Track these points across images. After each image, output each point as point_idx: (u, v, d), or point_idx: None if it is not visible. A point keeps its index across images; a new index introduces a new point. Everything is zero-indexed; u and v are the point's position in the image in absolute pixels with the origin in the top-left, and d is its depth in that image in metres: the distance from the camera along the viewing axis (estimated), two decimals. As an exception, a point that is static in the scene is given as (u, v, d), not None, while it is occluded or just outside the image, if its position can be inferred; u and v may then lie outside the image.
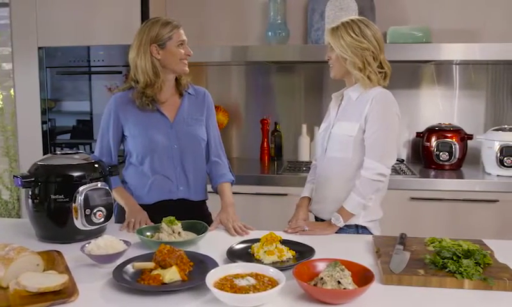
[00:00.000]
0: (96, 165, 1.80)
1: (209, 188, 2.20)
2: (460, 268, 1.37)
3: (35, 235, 1.79)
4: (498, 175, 2.93)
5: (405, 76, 3.36)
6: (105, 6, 3.08)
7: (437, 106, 3.41)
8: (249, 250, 1.62)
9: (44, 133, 3.24)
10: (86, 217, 1.70)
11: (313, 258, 1.50)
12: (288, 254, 1.57)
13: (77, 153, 1.85)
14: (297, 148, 3.49)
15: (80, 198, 1.68)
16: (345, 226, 1.89)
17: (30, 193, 1.72)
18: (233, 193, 2.14)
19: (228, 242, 1.72)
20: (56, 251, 1.59)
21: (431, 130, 3.20)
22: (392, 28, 3.06)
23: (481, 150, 3.10)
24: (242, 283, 1.27)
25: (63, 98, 3.25)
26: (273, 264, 1.49)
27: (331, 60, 1.97)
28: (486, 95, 3.38)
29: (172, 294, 1.31)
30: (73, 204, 1.69)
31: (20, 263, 1.34)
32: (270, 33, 3.29)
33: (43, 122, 3.23)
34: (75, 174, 1.72)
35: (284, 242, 1.62)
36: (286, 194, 2.94)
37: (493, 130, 3.04)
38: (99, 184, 1.74)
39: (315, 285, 1.29)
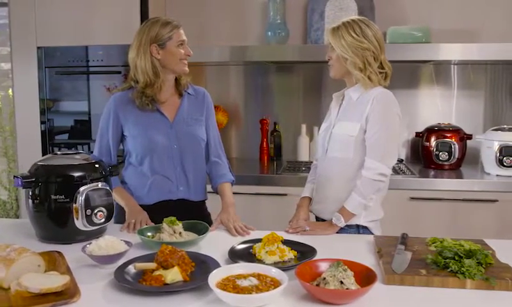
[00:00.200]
0: (96, 166, 1.80)
1: (208, 188, 2.19)
2: (462, 268, 1.37)
3: (35, 236, 1.78)
4: (497, 175, 2.94)
5: (404, 76, 3.36)
6: (104, 6, 3.07)
7: (436, 106, 3.42)
8: (251, 250, 1.62)
9: (43, 133, 3.23)
10: (86, 218, 1.69)
11: (315, 258, 1.49)
12: (289, 254, 1.57)
13: (78, 153, 1.84)
14: (297, 148, 3.49)
15: (81, 198, 1.68)
16: (346, 226, 1.89)
17: (30, 193, 1.71)
18: (233, 193, 2.14)
19: (229, 242, 1.72)
20: (56, 251, 1.58)
21: (431, 130, 3.20)
22: (391, 28, 3.06)
23: (480, 150, 3.11)
24: (244, 283, 1.27)
25: (62, 98, 3.24)
26: (275, 264, 1.49)
27: (331, 60, 1.97)
28: (484, 95, 3.39)
29: (174, 295, 1.31)
30: (74, 205, 1.68)
31: (22, 264, 1.34)
32: (270, 33, 3.29)
33: (42, 122, 3.22)
34: (76, 174, 1.72)
35: (285, 242, 1.62)
36: (285, 194, 2.93)
37: (493, 130, 3.05)
38: (100, 184, 1.73)
39: (317, 285, 1.29)
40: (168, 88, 2.06)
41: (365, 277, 1.32)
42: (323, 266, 1.37)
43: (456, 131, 3.16)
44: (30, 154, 3.13)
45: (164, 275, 1.35)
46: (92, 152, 2.13)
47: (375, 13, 3.24)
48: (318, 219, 2.07)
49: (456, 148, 3.10)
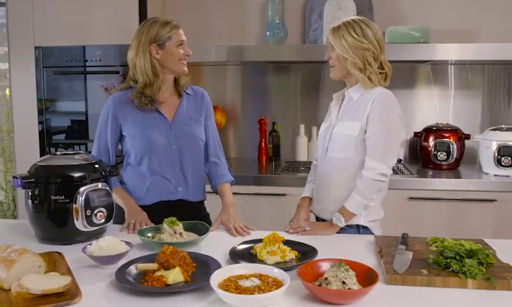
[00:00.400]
0: (96, 166, 1.79)
1: (207, 188, 2.19)
2: (463, 268, 1.37)
3: (35, 236, 1.78)
4: (495, 175, 2.95)
5: (402, 76, 3.37)
6: (102, 6, 3.07)
7: (434, 106, 3.43)
8: (252, 251, 1.62)
9: (40, 133, 3.21)
10: (86, 218, 1.68)
11: (316, 259, 1.49)
12: (291, 254, 1.57)
13: (77, 153, 1.84)
14: (295, 148, 3.49)
15: (81, 199, 1.67)
16: (347, 226, 1.89)
17: (30, 194, 1.70)
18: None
19: (229, 242, 1.71)
20: (56, 252, 1.57)
21: (429, 130, 3.21)
22: (390, 28, 3.06)
23: (479, 150, 3.12)
24: (246, 283, 1.27)
25: (59, 98, 3.23)
26: (276, 264, 1.48)
27: (331, 60, 1.97)
28: (482, 95, 3.39)
29: (176, 295, 1.30)
30: (74, 205, 1.67)
31: (23, 264, 1.33)
32: (268, 33, 3.29)
33: (40, 122, 3.21)
34: (76, 174, 1.71)
35: (286, 243, 1.61)
36: (284, 194, 2.93)
37: (491, 130, 3.06)
38: (100, 185, 1.73)
39: (319, 285, 1.29)
40: (167, 88, 2.06)
41: (367, 277, 1.32)
42: (325, 266, 1.37)
43: (454, 131, 3.16)
44: (28, 154, 3.12)
45: (166, 276, 1.34)
46: (90, 152, 2.12)
47: (373, 13, 3.24)
48: (318, 219, 2.07)
49: (454, 147, 3.11)
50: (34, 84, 3.16)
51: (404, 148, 3.48)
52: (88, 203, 1.68)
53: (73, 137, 3.27)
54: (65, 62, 3.16)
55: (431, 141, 3.15)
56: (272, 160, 3.51)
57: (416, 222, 2.85)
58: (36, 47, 3.14)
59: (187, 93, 2.13)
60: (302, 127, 3.45)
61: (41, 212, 1.70)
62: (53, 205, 1.68)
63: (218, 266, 1.43)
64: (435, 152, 3.13)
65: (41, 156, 2.89)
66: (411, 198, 2.87)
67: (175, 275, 1.35)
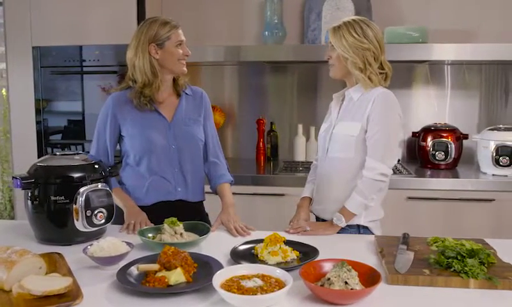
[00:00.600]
0: (96, 166, 1.78)
1: (206, 188, 2.18)
2: (465, 268, 1.38)
3: (34, 237, 1.76)
4: (493, 174, 2.95)
5: (400, 76, 3.37)
6: (100, 6, 3.05)
7: (431, 106, 3.43)
8: (253, 251, 1.61)
9: (38, 133, 3.20)
10: (86, 219, 1.67)
11: (317, 259, 1.49)
12: (292, 254, 1.56)
13: (77, 153, 1.83)
14: (293, 148, 3.48)
15: (81, 199, 1.66)
16: (347, 226, 1.89)
17: (29, 194, 1.69)
18: (230, 193, 2.13)
19: (229, 242, 1.71)
20: (57, 253, 1.57)
21: (427, 130, 3.22)
22: (388, 28, 3.06)
23: (476, 150, 3.12)
24: (249, 284, 1.26)
25: (56, 98, 3.22)
26: (277, 265, 1.48)
27: (331, 59, 1.97)
28: (479, 95, 3.41)
29: (178, 296, 1.30)
30: (74, 206, 1.66)
31: (23, 266, 1.32)
32: (267, 33, 3.29)
33: (37, 122, 3.19)
34: (76, 175, 1.70)
35: (287, 243, 1.61)
36: (282, 194, 2.93)
37: (489, 129, 3.06)
38: (100, 185, 1.72)
39: (322, 286, 1.28)
40: (166, 88, 2.05)
41: (369, 278, 1.32)
42: (327, 266, 1.37)
43: (452, 131, 3.17)
44: (25, 154, 3.11)
45: (168, 276, 1.34)
46: (88, 152, 2.11)
47: (372, 13, 3.25)
48: (318, 219, 2.07)
49: (452, 147, 3.12)
50: (31, 84, 3.15)
51: (402, 147, 3.49)
52: (88, 204, 1.67)
53: (70, 137, 3.26)
54: (62, 62, 3.15)
55: (429, 141, 3.15)
56: (270, 160, 3.51)
57: (415, 222, 2.85)
58: (33, 47, 3.12)
59: (186, 93, 2.12)
60: (300, 127, 3.44)
61: (40, 212, 1.69)
62: (53, 206, 1.68)
63: (220, 266, 1.43)
64: (433, 152, 3.14)
65: (38, 156, 2.88)
66: (410, 198, 2.87)
67: (176, 276, 1.34)
